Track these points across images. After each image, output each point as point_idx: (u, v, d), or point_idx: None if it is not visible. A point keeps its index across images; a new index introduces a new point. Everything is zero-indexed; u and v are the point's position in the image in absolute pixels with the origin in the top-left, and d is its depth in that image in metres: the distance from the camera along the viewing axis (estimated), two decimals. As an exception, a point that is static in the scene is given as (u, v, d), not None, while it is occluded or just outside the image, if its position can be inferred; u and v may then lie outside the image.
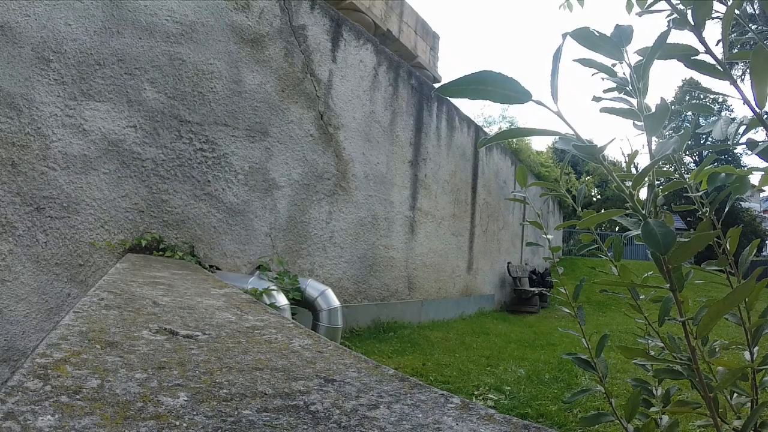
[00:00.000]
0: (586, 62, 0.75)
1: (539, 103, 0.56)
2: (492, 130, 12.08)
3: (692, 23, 0.64)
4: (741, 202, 23.33)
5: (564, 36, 0.59)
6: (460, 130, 7.96)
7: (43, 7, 3.03)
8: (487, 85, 0.54)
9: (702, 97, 11.63)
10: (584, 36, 0.63)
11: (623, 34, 0.65)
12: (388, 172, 5.99)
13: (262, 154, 4.31)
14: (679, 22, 0.64)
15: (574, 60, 0.77)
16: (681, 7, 0.65)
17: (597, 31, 0.64)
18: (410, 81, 6.48)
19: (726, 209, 0.98)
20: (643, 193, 0.71)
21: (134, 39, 3.44)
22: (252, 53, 4.20)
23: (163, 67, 3.60)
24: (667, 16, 0.71)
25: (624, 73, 0.73)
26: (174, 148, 3.67)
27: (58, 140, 3.11)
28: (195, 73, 3.79)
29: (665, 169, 0.95)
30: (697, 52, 0.66)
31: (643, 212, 0.61)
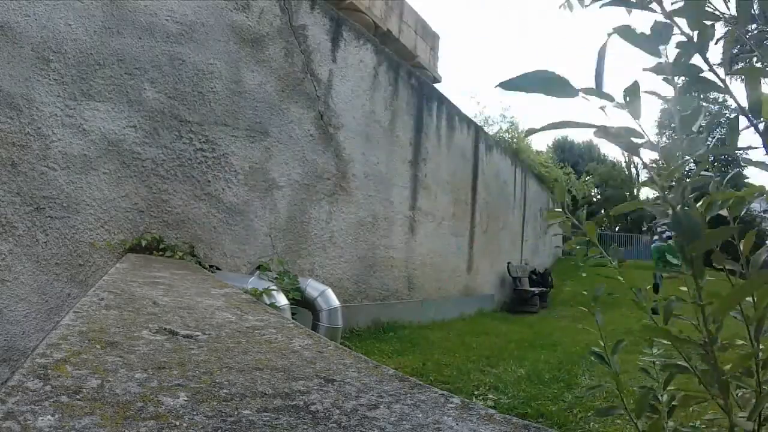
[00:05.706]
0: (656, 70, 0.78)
1: (585, 96, 0.64)
2: (492, 130, 12.10)
3: (697, 45, 0.68)
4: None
5: (609, 35, 0.66)
6: (460, 130, 7.96)
7: (43, 7, 3.03)
8: (543, 81, 0.64)
9: (701, 97, 11.69)
10: (626, 33, 0.68)
11: (663, 32, 0.68)
12: (388, 172, 5.99)
13: (262, 154, 4.31)
14: (685, 46, 0.69)
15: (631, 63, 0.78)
16: (687, 31, 0.70)
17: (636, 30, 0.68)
18: (410, 81, 6.48)
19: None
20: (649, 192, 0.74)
21: (134, 39, 3.44)
22: (252, 53, 4.20)
23: (163, 67, 3.60)
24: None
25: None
26: (174, 148, 3.67)
27: (58, 140, 3.11)
28: (195, 73, 3.79)
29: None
30: (702, 70, 0.71)
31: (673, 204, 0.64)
